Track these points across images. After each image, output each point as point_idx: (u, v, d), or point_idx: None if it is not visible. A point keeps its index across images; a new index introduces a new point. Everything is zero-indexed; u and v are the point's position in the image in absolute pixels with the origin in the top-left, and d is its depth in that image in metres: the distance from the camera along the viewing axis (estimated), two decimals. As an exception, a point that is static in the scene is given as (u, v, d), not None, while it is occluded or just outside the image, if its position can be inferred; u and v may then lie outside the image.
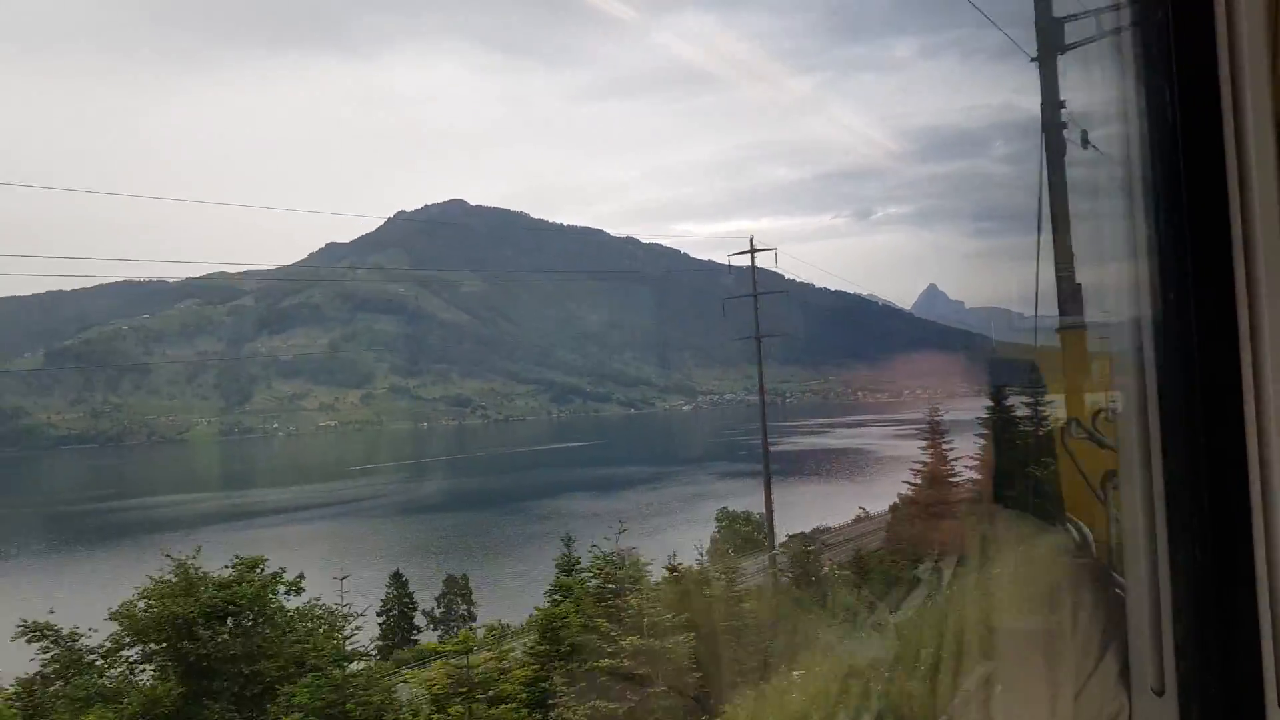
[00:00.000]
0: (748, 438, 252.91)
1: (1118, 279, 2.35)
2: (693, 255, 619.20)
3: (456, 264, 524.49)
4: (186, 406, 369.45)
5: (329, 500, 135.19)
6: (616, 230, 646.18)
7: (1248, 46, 1.87)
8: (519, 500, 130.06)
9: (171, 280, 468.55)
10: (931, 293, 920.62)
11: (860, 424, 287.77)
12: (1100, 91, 2.53)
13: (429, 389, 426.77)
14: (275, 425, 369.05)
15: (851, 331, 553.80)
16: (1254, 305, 1.88)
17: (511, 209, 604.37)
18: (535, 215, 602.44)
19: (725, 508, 69.24)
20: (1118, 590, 2.76)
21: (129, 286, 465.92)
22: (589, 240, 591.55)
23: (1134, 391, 2.29)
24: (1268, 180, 1.89)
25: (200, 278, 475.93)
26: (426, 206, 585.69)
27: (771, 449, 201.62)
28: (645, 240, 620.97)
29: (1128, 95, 2.25)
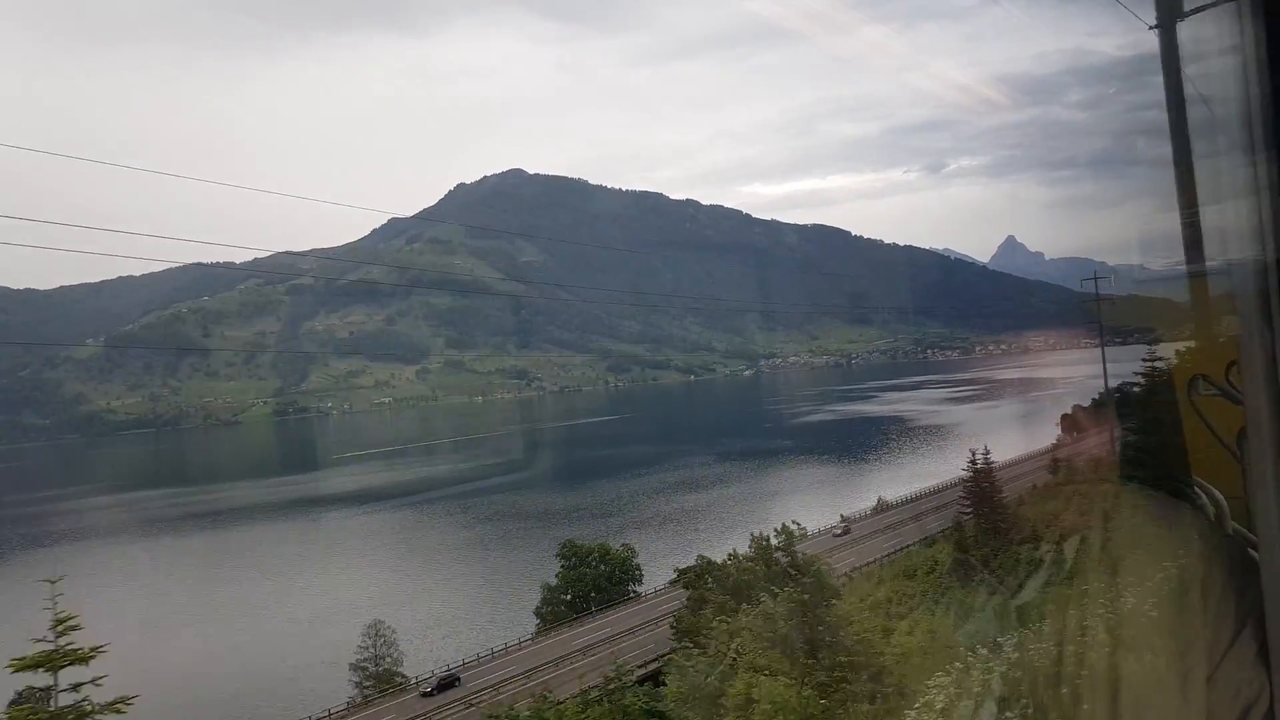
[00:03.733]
0: (792, 407, 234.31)
1: (1238, 222, 2.23)
2: (755, 215, 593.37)
3: (514, 234, 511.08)
4: (243, 388, 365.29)
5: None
6: (677, 194, 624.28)
7: None
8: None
9: (239, 262, 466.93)
10: (1010, 245, 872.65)
11: (916, 386, 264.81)
12: (1207, 28, 2.42)
13: (484, 362, 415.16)
14: (329, 404, 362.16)
15: (924, 287, 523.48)
16: None
17: (569, 175, 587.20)
18: (594, 182, 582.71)
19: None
20: (1255, 562, 2.56)
21: (197, 269, 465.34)
22: (647, 205, 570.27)
23: (1259, 340, 2.16)
24: None
25: (267, 258, 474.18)
26: (485, 178, 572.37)
27: (803, 419, 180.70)
28: (706, 202, 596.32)
29: (1245, 30, 2.16)
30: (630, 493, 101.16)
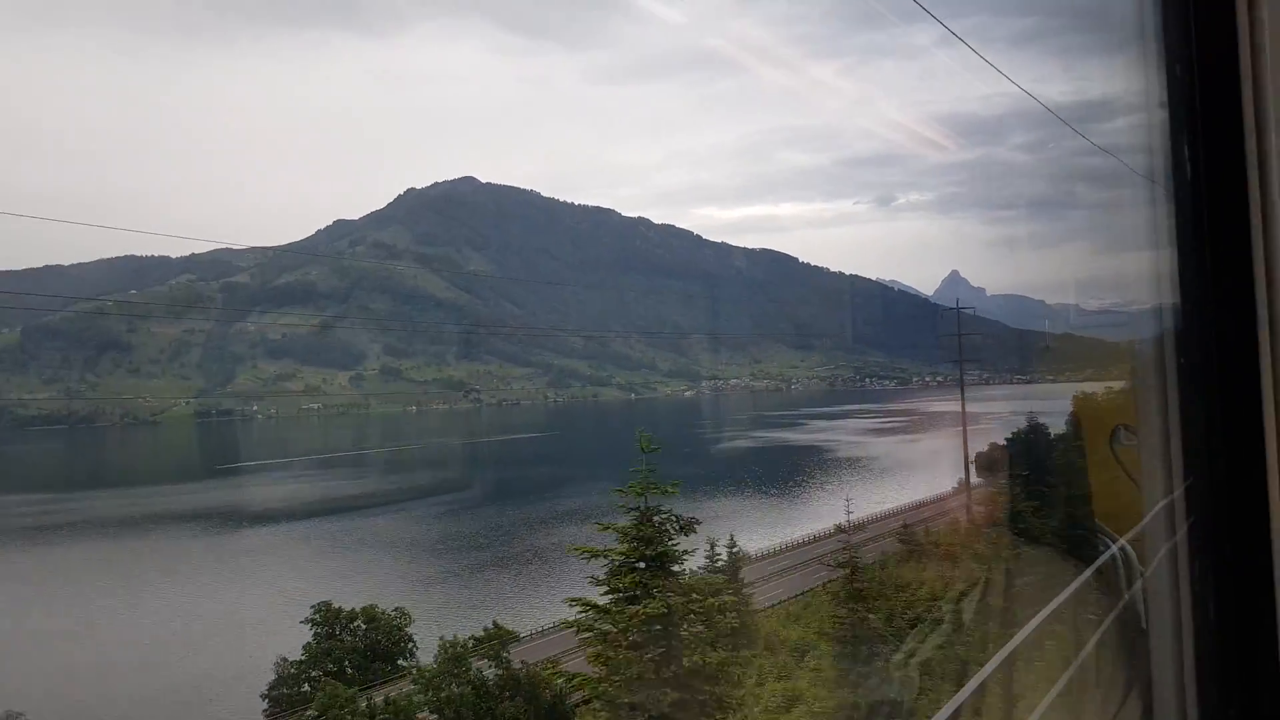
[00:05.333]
0: (718, 431, 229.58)
1: (1142, 270, 2.23)
2: (706, 238, 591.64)
3: (461, 243, 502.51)
4: (166, 387, 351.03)
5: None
6: (632, 212, 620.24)
7: (1269, 36, 1.79)
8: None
9: (175, 256, 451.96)
10: (954, 279, 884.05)
11: (846, 414, 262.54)
12: (1121, 80, 2.42)
13: (422, 371, 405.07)
14: (255, 408, 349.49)
15: (868, 316, 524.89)
16: (1274, 297, 1.76)
17: (523, 187, 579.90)
18: (546, 195, 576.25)
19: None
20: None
21: (130, 261, 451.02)
22: (599, 221, 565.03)
23: (1152, 387, 2.12)
24: None
25: (205, 253, 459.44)
26: (436, 184, 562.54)
27: (724, 445, 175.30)
28: (658, 221, 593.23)
29: (1150, 83, 2.18)
30: (513, 522, 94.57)
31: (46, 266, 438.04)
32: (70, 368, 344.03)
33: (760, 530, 76.81)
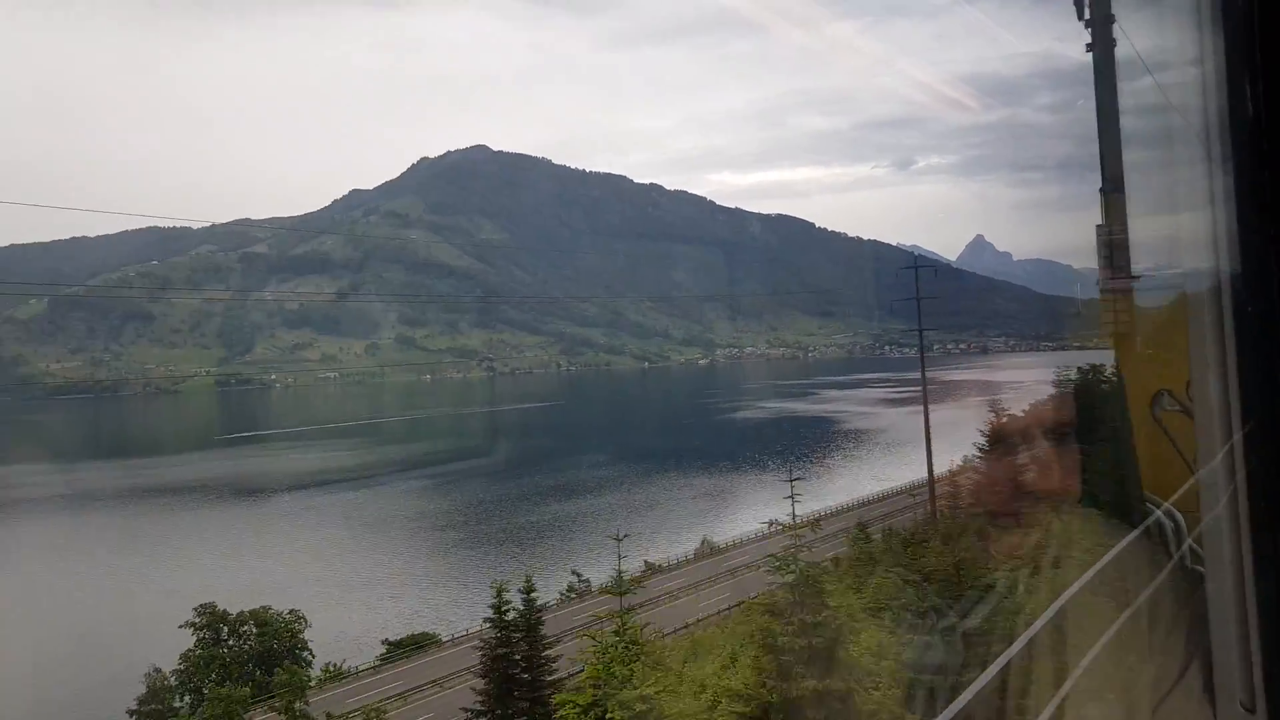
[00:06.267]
0: (727, 401, 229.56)
1: (1195, 232, 2.19)
2: (719, 203, 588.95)
3: (474, 211, 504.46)
4: (187, 356, 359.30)
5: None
6: (644, 179, 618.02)
7: None
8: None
9: (195, 227, 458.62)
10: (978, 244, 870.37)
11: (861, 384, 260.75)
12: (1172, 37, 2.39)
13: (436, 340, 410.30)
14: (273, 377, 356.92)
15: (888, 282, 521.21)
16: None
17: (534, 155, 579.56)
18: (558, 162, 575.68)
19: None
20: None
21: (153, 232, 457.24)
22: (611, 187, 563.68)
23: (1210, 353, 2.11)
24: None
25: (225, 225, 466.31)
26: (449, 152, 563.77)
27: (730, 415, 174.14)
28: (670, 187, 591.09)
29: (1205, 40, 2.13)
30: (501, 497, 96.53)
31: (73, 239, 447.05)
32: (95, 337, 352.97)
33: (719, 518, 76.89)
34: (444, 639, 45.83)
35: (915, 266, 52.45)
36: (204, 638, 40.12)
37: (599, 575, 49.10)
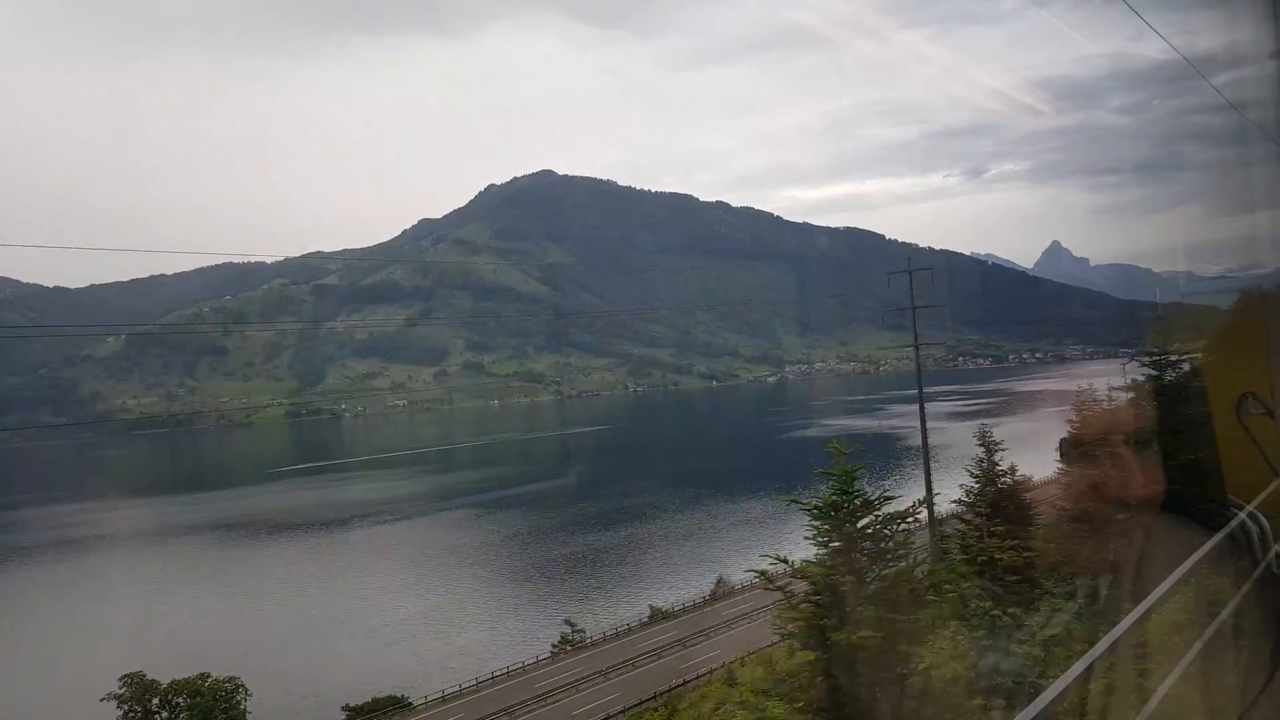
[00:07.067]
0: (792, 419, 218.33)
1: (1273, 231, 2.06)
2: (787, 219, 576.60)
3: (540, 236, 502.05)
4: (259, 388, 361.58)
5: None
6: (708, 197, 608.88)
7: None
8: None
9: (269, 261, 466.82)
10: (1054, 251, 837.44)
11: (930, 397, 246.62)
12: (1247, 32, 2.25)
13: (503, 365, 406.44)
14: (343, 406, 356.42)
15: (961, 293, 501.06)
16: None
17: (600, 178, 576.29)
18: (624, 184, 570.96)
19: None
20: None
21: (229, 268, 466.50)
22: (677, 207, 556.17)
23: None
24: None
25: (298, 258, 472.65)
26: (515, 179, 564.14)
27: (793, 434, 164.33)
28: (736, 204, 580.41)
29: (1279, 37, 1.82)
30: (540, 528, 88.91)
31: (150, 277, 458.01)
32: (170, 372, 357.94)
33: (749, 551, 68.31)
34: (416, 701, 36.46)
35: (909, 270, 42.47)
36: (130, 713, 31.33)
37: (614, 616, 43.93)
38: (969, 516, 23.91)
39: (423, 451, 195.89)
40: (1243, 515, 3.98)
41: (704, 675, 34.50)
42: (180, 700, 32.13)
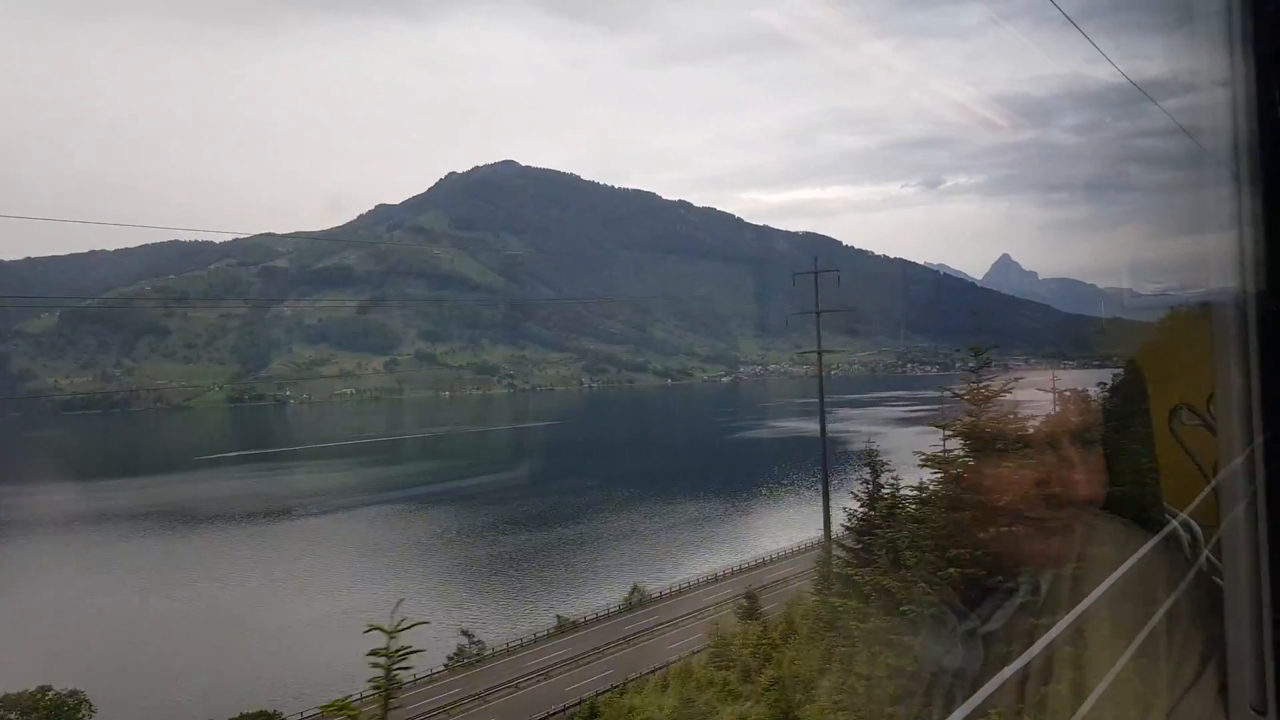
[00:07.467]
0: (739, 420, 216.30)
1: (1221, 253, 2.22)
2: (749, 221, 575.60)
3: (500, 226, 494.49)
4: (200, 371, 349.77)
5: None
6: (671, 195, 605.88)
7: None
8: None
9: (218, 241, 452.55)
10: (1004, 263, 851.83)
11: (877, 402, 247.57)
12: (1201, 60, 2.40)
13: (457, 356, 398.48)
14: (288, 393, 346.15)
15: (915, 301, 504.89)
16: None
17: (563, 170, 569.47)
18: (587, 178, 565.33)
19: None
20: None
21: (174, 246, 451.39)
22: (640, 204, 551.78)
23: (1234, 371, 2.14)
24: None
25: (248, 238, 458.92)
26: (477, 168, 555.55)
27: (739, 435, 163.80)
28: (699, 204, 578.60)
29: (1232, 61, 2.16)
30: (470, 526, 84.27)
31: (91, 252, 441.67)
32: (107, 352, 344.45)
33: (679, 557, 65.15)
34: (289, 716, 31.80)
35: (815, 271, 39.22)
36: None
37: (523, 626, 41.06)
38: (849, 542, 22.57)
39: (367, 442, 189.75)
40: (1175, 522, 4.20)
41: (575, 706, 30.35)
42: (12, 718, 27.07)
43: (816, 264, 35.04)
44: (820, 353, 35.07)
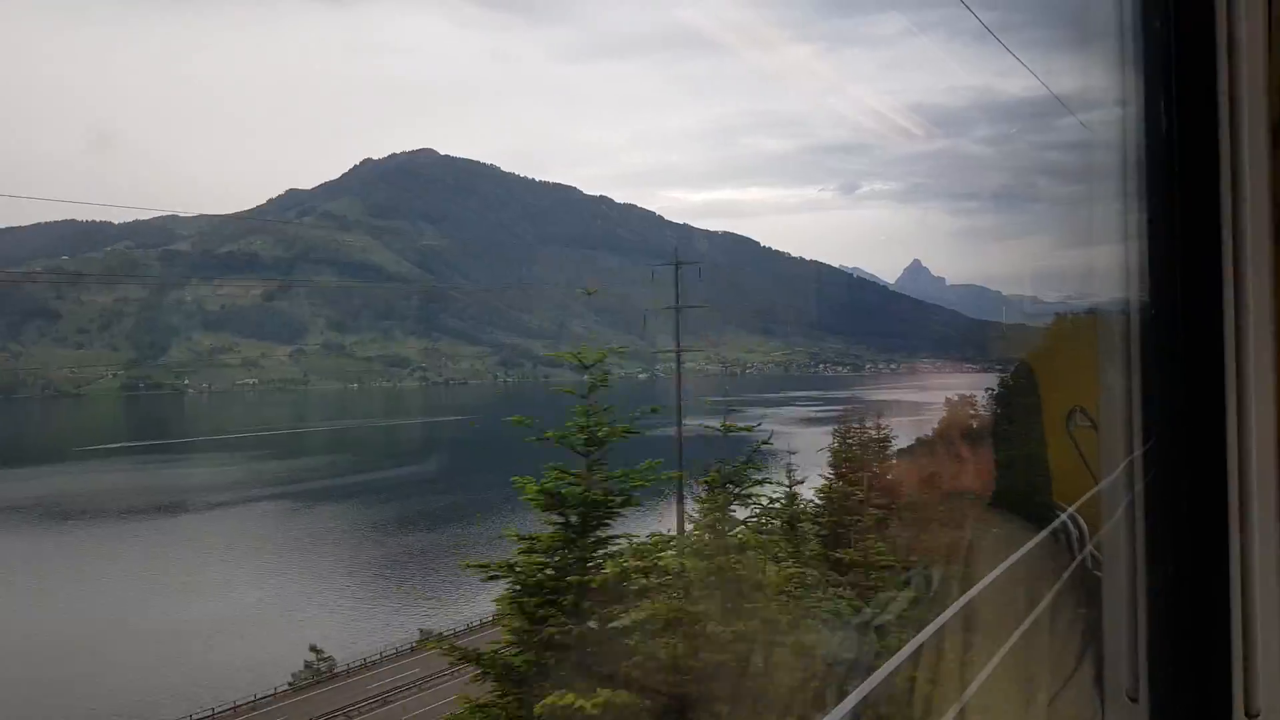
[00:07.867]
0: (643, 418, 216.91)
1: (1110, 264, 2.33)
2: (668, 219, 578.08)
3: (416, 216, 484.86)
4: (94, 357, 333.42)
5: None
6: (591, 190, 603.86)
7: (1246, 34, 1.87)
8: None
9: (118, 222, 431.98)
10: (915, 268, 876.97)
11: (788, 401, 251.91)
12: (1099, 78, 2.50)
13: (366, 346, 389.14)
14: (186, 382, 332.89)
15: (829, 303, 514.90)
16: (1239, 295, 1.87)
17: (483, 161, 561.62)
18: (506, 169, 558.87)
19: None
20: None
21: (70, 226, 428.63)
22: (560, 198, 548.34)
23: (1118, 382, 2.23)
24: (1259, 172, 1.89)
25: (149, 220, 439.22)
26: (394, 155, 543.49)
27: (653, 433, 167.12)
28: (620, 201, 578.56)
29: (1125, 79, 2.24)
30: (359, 524, 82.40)
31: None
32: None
33: None
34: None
35: (675, 266, 40.51)
36: None
37: (383, 638, 39.74)
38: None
39: (267, 434, 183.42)
40: (1064, 517, 4.42)
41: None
42: None
43: (676, 257, 34.82)
44: (679, 350, 35.11)
